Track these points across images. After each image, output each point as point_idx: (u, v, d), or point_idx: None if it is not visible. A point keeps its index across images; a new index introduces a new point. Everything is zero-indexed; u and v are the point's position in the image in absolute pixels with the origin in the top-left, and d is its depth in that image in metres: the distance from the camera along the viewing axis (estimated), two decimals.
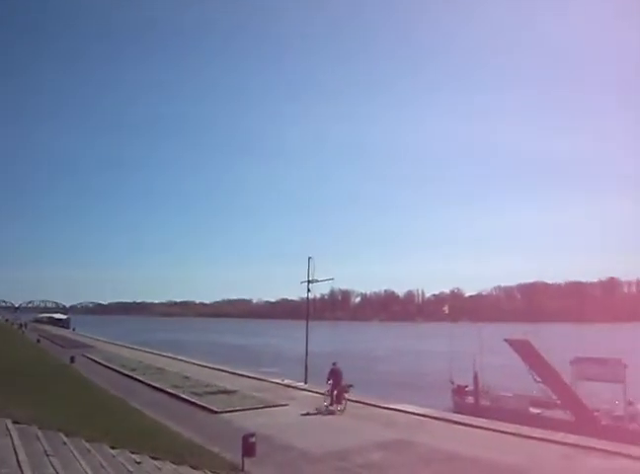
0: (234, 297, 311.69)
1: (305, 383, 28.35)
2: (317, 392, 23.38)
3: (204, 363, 39.86)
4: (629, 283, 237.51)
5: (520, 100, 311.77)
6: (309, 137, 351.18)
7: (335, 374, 21.31)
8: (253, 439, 11.99)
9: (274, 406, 21.42)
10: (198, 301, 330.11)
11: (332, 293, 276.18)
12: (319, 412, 20.22)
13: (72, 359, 36.74)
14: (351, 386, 21.35)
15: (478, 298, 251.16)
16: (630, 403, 26.04)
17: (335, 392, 20.68)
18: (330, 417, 19.38)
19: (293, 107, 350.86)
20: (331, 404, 20.56)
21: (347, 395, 20.89)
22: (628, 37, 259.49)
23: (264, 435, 14.38)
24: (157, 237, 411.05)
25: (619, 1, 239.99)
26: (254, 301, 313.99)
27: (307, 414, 19.90)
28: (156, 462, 10.56)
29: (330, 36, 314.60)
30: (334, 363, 22.21)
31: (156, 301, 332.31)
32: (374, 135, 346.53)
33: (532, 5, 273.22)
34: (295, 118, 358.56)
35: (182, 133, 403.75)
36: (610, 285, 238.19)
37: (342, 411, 20.17)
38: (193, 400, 22.29)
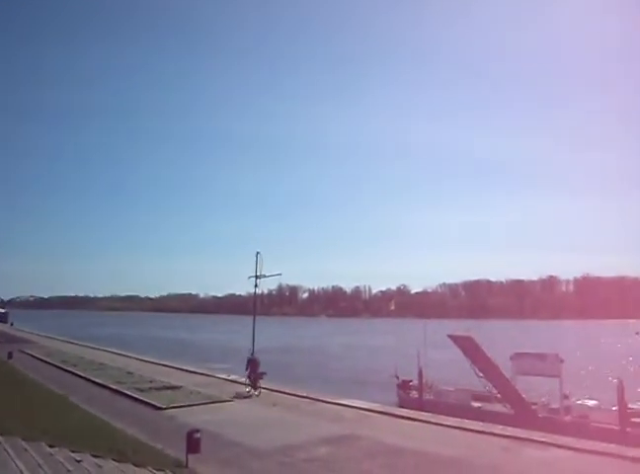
0: (181, 292, 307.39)
1: None
2: (263, 388, 23.33)
3: (149, 359, 39.26)
4: (567, 282, 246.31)
5: (461, 99, 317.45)
6: (269, 134, 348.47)
7: (252, 364, 23.88)
8: (198, 436, 11.87)
9: (219, 402, 21.27)
10: (143, 296, 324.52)
11: (280, 289, 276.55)
12: (238, 396, 22.43)
13: (10, 355, 35.55)
14: (264, 373, 23.64)
15: (424, 295, 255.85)
16: (565, 396, 27.08)
17: (252, 379, 23.39)
18: (276, 413, 19.38)
19: (247, 102, 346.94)
20: (250, 390, 23.13)
21: (261, 382, 23.45)
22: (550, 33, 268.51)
23: (209, 432, 14.26)
24: (100, 231, 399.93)
25: None
26: (201, 296, 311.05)
27: (237, 395, 20.26)
28: (97, 460, 10.32)
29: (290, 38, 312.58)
30: (252, 354, 24.69)
31: (100, 296, 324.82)
32: (331, 133, 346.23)
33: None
34: (250, 114, 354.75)
35: (113, 122, 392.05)
36: (550, 284, 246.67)
37: (258, 395, 22.67)
38: (136, 396, 21.89)
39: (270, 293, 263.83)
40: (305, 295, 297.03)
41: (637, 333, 30.34)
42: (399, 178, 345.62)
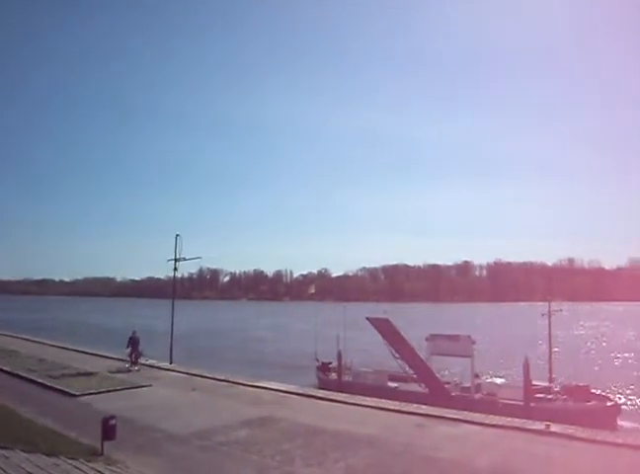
0: (97, 275, 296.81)
1: (170, 363, 27.84)
2: (182, 372, 23.11)
3: (63, 345, 37.84)
4: (481, 267, 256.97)
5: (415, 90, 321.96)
6: (190, 112, 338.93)
7: (133, 341, 26.28)
8: (113, 422, 11.62)
9: (136, 387, 20.87)
10: (57, 279, 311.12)
11: (201, 272, 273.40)
12: (120, 371, 24.74)
13: None
14: (141, 354, 26.63)
15: (344, 279, 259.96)
16: (476, 375, 28.44)
17: (133, 356, 26.06)
18: (195, 397, 19.24)
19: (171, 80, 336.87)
20: (130, 365, 25.61)
21: (141, 359, 26.39)
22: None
23: (125, 418, 14.01)
24: (8, 208, 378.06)
25: None
26: (118, 279, 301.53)
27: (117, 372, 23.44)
28: (4, 451, 9.92)
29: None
30: (133, 332, 27.04)
31: (12, 279, 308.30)
32: (264, 115, 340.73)
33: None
34: (172, 93, 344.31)
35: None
36: (465, 269, 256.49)
37: (139, 370, 24.89)
38: (49, 384, 21.11)
39: (190, 277, 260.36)
40: (227, 279, 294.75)
41: (542, 314, 32.06)
42: (320, 162, 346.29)
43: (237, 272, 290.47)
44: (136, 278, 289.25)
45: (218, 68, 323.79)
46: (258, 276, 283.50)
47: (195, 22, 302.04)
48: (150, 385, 21.30)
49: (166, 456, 11.94)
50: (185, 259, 28.07)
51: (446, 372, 31.55)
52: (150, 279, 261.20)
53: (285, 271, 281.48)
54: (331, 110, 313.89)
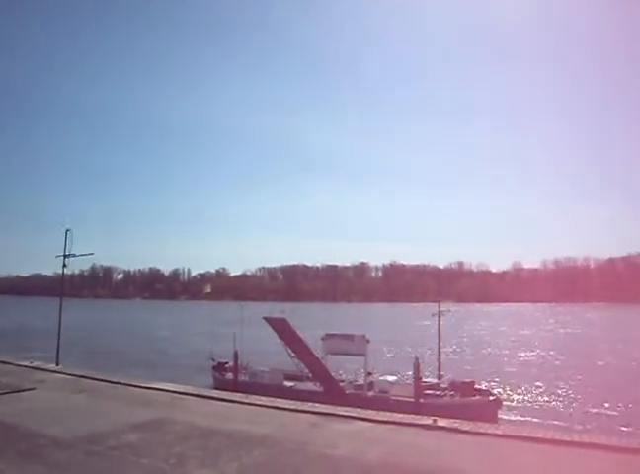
0: None
1: (57, 365, 26.50)
2: (70, 374, 22.05)
3: None
4: (377, 268, 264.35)
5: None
6: (88, 103, 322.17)
7: None
8: None
9: (19, 391, 19.61)
10: None
11: (93, 270, 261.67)
12: None
13: None
14: None
15: (243, 278, 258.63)
16: (370, 373, 29.32)
17: None
18: (83, 400, 18.42)
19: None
20: None
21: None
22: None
23: (7, 424, 13.22)
24: None
25: None
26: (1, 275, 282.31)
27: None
28: None
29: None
30: None
31: None
32: (153, 113, 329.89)
33: None
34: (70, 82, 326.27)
35: None
36: (361, 270, 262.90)
37: None
38: None
39: (82, 274, 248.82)
40: (120, 277, 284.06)
41: (433, 314, 33.66)
42: (219, 163, 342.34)
43: (132, 269, 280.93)
44: (23, 275, 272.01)
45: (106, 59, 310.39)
46: (154, 275, 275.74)
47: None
48: (34, 389, 20.13)
49: (51, 464, 11.34)
50: (75, 255, 26.87)
51: (342, 371, 32.24)
52: (38, 276, 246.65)
53: (183, 269, 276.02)
54: (235, 111, 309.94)
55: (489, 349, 61.44)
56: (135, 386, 20.80)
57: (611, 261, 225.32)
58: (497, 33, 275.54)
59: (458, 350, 56.65)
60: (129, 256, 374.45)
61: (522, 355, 55.58)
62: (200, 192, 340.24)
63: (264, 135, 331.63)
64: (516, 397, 32.87)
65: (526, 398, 32.83)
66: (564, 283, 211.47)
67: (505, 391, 33.79)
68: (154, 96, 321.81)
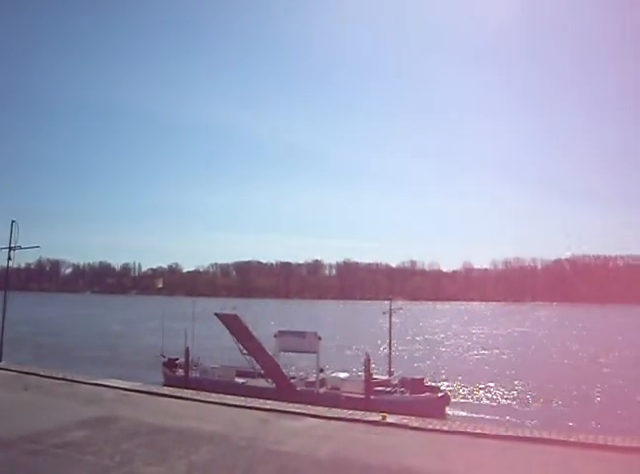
0: None
1: (0, 361, 25.61)
2: (12, 370, 21.38)
3: None
4: (330, 266, 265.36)
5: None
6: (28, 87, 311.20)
7: None
8: None
9: None
10: None
11: (40, 263, 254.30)
12: None
13: None
14: None
15: (195, 274, 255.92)
16: (322, 370, 29.46)
17: None
18: (26, 397, 17.86)
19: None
20: None
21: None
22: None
23: None
24: None
25: None
26: None
27: None
28: None
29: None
30: None
31: None
32: (110, 101, 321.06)
33: None
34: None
35: None
36: (315, 267, 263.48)
37: None
38: None
39: (28, 267, 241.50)
40: (69, 270, 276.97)
41: (384, 312, 34.10)
42: (171, 155, 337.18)
43: (81, 263, 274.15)
44: None
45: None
46: (104, 269, 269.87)
47: None
48: None
49: None
50: (20, 247, 26.02)
51: (294, 368, 32.29)
52: None
53: (134, 263, 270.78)
54: (184, 101, 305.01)
55: (441, 346, 62.52)
56: (82, 383, 20.35)
57: (558, 262, 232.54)
58: (470, 31, 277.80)
59: (411, 347, 57.45)
60: (79, 249, 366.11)
61: (474, 352, 56.76)
62: (152, 185, 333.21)
63: (220, 129, 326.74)
64: (465, 394, 33.53)
65: (475, 394, 33.53)
66: (513, 283, 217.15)
67: (455, 388, 34.44)
68: (106, 85, 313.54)
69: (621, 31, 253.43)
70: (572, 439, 12.58)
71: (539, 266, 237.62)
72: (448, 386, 33.97)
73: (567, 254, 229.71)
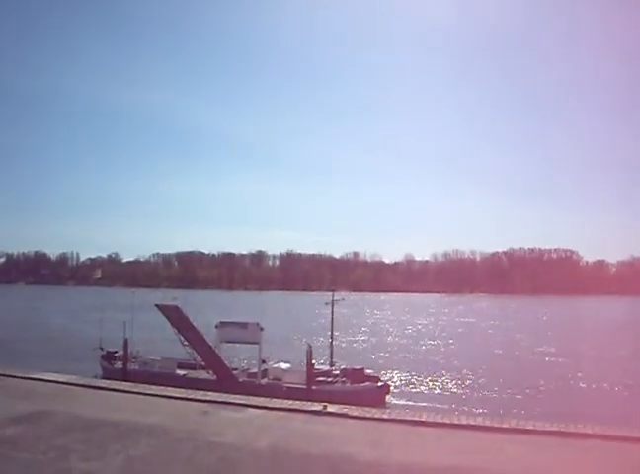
0: None
1: None
2: None
3: None
4: (274, 257, 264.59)
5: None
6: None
7: None
8: None
9: None
10: None
11: None
12: None
13: None
14: None
15: (136, 264, 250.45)
16: (263, 361, 29.49)
17: None
18: None
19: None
20: None
21: None
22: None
23: None
24: None
25: None
26: None
27: None
28: None
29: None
30: None
31: None
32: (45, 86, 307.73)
33: None
34: None
35: None
36: (258, 258, 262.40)
37: None
38: None
39: None
40: (2, 260, 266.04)
41: (326, 303, 34.46)
42: (110, 142, 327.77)
43: (15, 253, 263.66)
44: None
45: None
46: (39, 259, 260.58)
47: None
48: None
49: None
50: None
51: (236, 359, 32.21)
52: None
53: (71, 253, 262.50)
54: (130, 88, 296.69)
55: (386, 337, 63.50)
56: (13, 377, 19.65)
57: (495, 255, 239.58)
58: (424, 30, 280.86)
59: (353, 337, 58.16)
60: (12, 239, 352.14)
61: (419, 343, 57.91)
62: (88, 170, 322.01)
63: (160, 117, 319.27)
64: (406, 383, 34.28)
65: (415, 383, 34.32)
66: (452, 275, 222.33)
67: (397, 378, 35.16)
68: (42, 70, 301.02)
69: (604, 31, 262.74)
70: (505, 425, 13.08)
71: (478, 258, 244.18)
72: (391, 376, 34.66)
73: (504, 248, 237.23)
